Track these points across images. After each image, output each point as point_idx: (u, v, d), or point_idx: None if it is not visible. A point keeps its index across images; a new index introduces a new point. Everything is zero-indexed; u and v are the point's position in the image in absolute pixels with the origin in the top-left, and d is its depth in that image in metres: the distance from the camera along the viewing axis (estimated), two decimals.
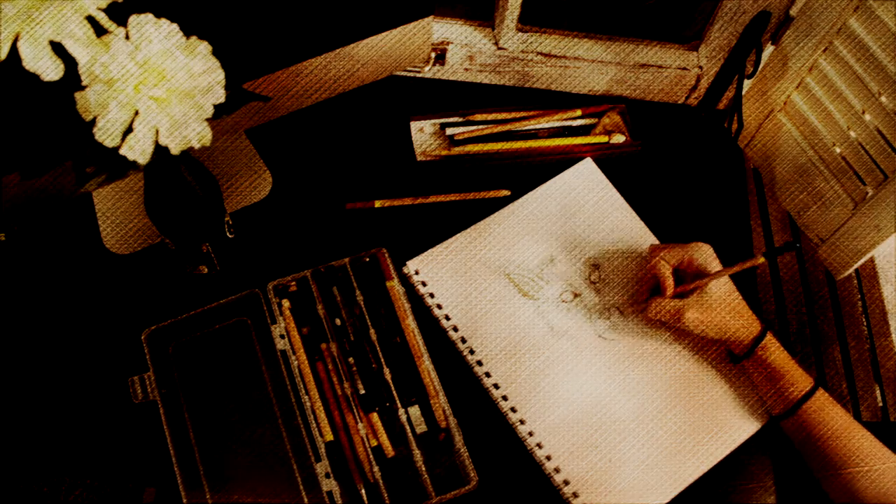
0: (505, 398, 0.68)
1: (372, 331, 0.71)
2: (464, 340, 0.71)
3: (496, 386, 0.69)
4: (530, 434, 0.67)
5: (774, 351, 0.65)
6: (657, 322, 0.71)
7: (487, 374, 0.69)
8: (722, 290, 0.66)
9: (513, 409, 0.68)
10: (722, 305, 0.65)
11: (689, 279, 0.68)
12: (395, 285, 0.72)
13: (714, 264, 0.67)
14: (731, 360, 0.69)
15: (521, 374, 0.70)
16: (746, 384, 0.69)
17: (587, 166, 0.82)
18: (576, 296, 0.74)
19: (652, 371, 0.70)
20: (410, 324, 0.71)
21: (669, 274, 0.68)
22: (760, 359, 0.65)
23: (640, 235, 0.78)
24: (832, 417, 0.63)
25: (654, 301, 0.68)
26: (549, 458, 0.66)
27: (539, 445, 0.66)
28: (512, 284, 0.74)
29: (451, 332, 0.71)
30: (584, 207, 0.79)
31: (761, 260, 0.64)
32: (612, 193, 0.80)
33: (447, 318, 0.72)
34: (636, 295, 0.73)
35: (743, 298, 0.67)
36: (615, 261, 0.76)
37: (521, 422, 0.67)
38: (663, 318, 0.67)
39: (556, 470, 0.65)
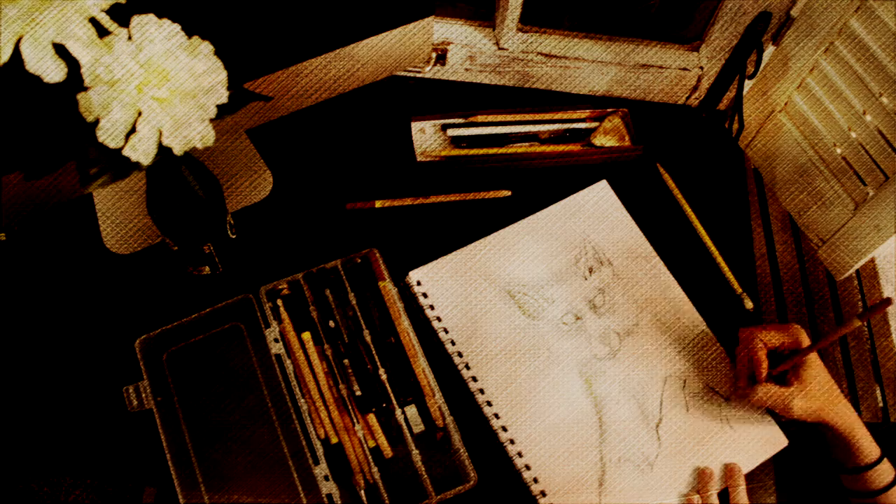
0: (497, 416, 0.68)
1: (366, 332, 0.70)
2: (460, 355, 0.70)
3: (489, 403, 0.68)
4: (519, 455, 0.66)
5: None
6: (761, 407, 0.70)
7: (481, 391, 0.69)
8: (821, 376, 0.66)
9: (504, 429, 0.67)
10: (822, 392, 0.65)
11: (782, 358, 0.67)
12: (387, 286, 0.72)
13: (805, 342, 0.67)
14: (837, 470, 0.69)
15: (515, 394, 0.69)
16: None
17: (601, 188, 0.80)
18: (577, 319, 0.73)
19: (647, 400, 0.69)
20: (404, 324, 0.71)
21: (765, 357, 0.67)
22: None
23: (649, 262, 0.77)
24: None
25: (762, 387, 0.66)
26: (536, 480, 0.65)
27: (527, 467, 0.66)
28: (514, 303, 0.73)
29: (449, 346, 0.71)
30: (594, 230, 0.78)
31: (857, 323, 0.63)
32: (625, 218, 0.79)
33: (445, 330, 0.71)
34: (735, 380, 0.70)
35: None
36: (620, 287, 0.75)
37: (511, 441, 0.67)
38: (772, 405, 0.66)
39: (543, 493, 0.65)
